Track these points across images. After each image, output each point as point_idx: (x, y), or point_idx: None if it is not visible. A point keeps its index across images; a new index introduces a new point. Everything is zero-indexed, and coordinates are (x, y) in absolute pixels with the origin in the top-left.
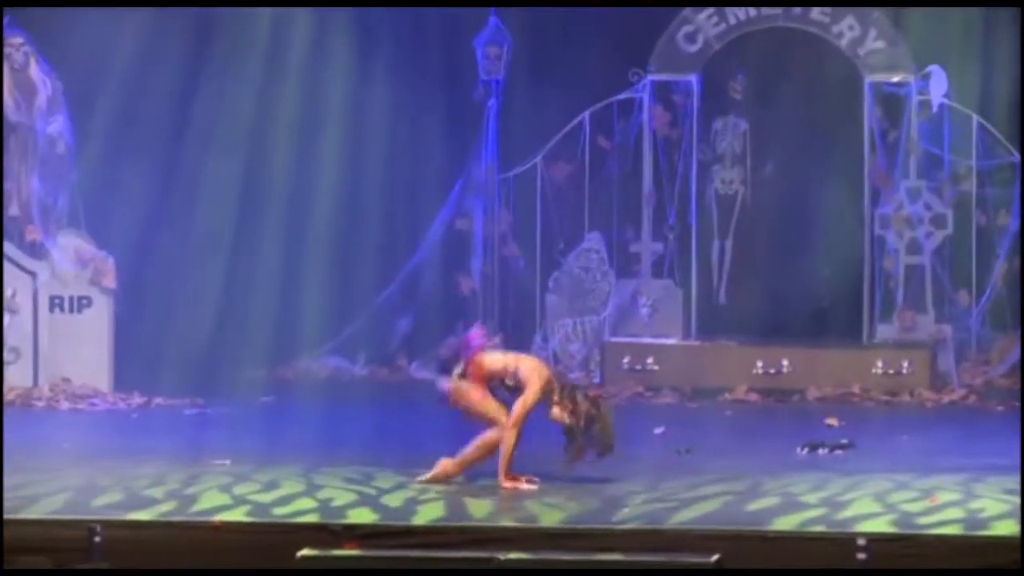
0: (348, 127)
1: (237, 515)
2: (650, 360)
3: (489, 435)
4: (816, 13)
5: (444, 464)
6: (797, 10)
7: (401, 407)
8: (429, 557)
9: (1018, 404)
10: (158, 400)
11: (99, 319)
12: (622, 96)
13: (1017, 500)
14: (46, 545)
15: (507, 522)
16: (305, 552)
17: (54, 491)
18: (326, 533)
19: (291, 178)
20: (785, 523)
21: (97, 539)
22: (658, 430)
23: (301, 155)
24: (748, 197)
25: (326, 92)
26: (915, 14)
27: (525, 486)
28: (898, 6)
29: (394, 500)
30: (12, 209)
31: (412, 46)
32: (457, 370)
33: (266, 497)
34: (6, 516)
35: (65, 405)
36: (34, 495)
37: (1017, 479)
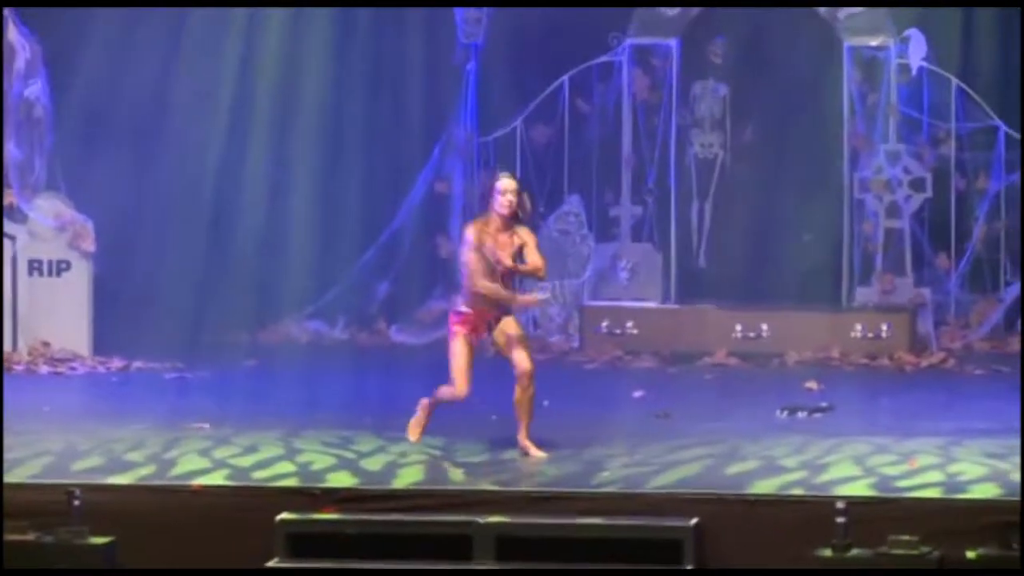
0: (328, 91)
1: (216, 479)
2: (629, 324)
3: None
4: None
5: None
6: None
7: (381, 371)
8: (408, 521)
9: (998, 368)
10: (138, 364)
11: (78, 282)
12: (601, 60)
13: (997, 464)
14: (27, 509)
15: (486, 486)
16: (284, 516)
17: (34, 455)
18: (305, 497)
19: (271, 143)
20: (764, 487)
21: (77, 503)
22: (637, 394)
23: (281, 120)
24: (727, 161)
25: (306, 57)
26: None
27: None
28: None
29: (373, 464)
30: None
31: (391, 10)
32: None
33: (246, 461)
34: None
35: (44, 369)
36: (14, 459)
37: (997, 442)
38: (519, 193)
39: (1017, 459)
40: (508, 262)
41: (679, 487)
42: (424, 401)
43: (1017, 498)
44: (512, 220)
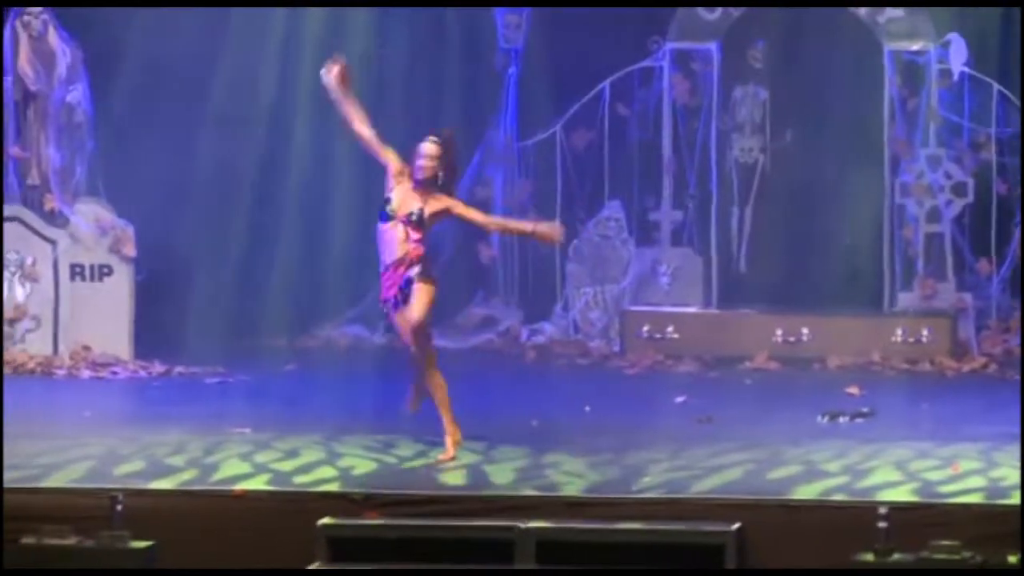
0: (368, 96)
1: (258, 484)
2: (670, 329)
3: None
4: None
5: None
6: None
7: None
8: (450, 526)
9: None
10: (179, 369)
11: (120, 287)
12: (642, 64)
13: None
14: (68, 514)
15: (528, 491)
16: (326, 521)
17: (76, 459)
18: (347, 502)
19: (311, 147)
20: (806, 492)
21: (119, 507)
22: (678, 399)
23: (321, 124)
24: (768, 165)
25: (345, 60)
26: None
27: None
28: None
29: (414, 468)
30: (32, 178)
31: (431, 15)
32: None
33: (287, 465)
34: (29, 485)
35: (86, 373)
36: (56, 463)
37: None
38: (440, 159)
39: None
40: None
41: (720, 492)
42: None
43: None
44: (427, 185)
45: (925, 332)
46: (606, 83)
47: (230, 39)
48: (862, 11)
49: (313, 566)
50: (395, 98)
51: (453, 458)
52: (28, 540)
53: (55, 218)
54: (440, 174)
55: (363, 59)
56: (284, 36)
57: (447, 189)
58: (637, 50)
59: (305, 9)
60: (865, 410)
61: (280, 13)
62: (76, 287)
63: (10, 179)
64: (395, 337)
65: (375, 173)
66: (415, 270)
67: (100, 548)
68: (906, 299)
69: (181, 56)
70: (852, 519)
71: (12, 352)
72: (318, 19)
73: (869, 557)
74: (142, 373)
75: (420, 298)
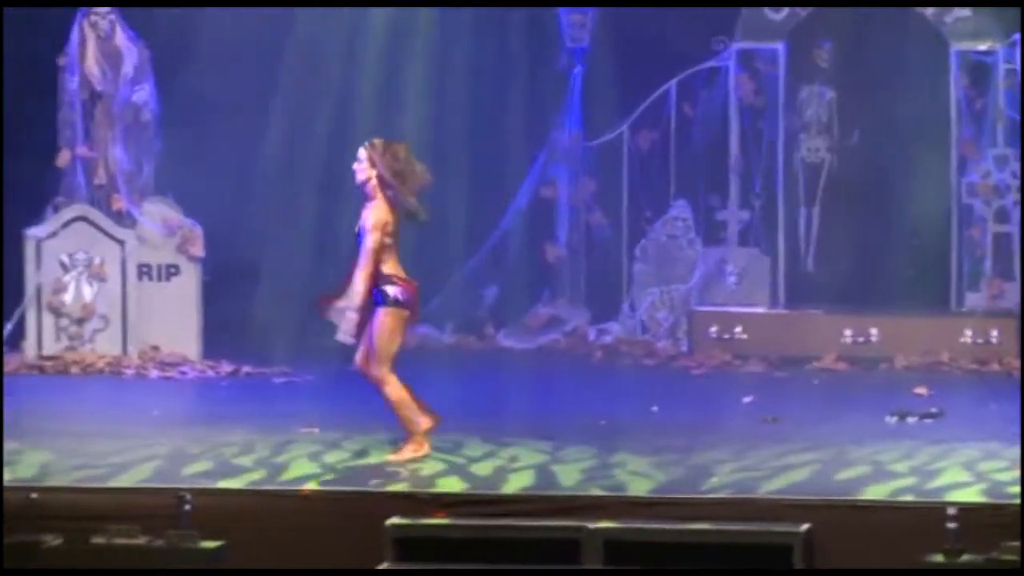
0: (432, 96)
1: (328, 483)
2: (738, 329)
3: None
4: None
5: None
6: None
7: (489, 375)
8: (517, 526)
9: None
10: (247, 368)
11: (187, 287)
12: (707, 64)
13: None
14: (136, 513)
15: (595, 491)
16: (393, 521)
17: (144, 459)
18: (414, 502)
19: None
20: (874, 492)
21: (187, 507)
22: (746, 399)
23: (386, 126)
24: (835, 165)
25: (409, 61)
26: None
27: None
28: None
29: (483, 469)
30: (99, 178)
31: (495, 15)
32: None
33: (355, 465)
34: (97, 484)
35: (154, 373)
36: (124, 463)
37: None
38: (372, 164)
39: None
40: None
41: (788, 493)
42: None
43: None
44: (368, 192)
45: (994, 332)
46: (672, 83)
47: (296, 36)
48: (929, 11)
49: (381, 566)
50: (460, 98)
51: (408, 460)
52: (97, 540)
53: (123, 218)
54: (372, 180)
55: (426, 57)
56: (350, 33)
57: (390, 199)
58: (703, 50)
59: (369, 10)
60: (934, 410)
61: (346, 11)
62: (144, 287)
63: (78, 179)
64: (464, 337)
65: (443, 175)
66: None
67: (169, 548)
68: (974, 299)
69: (247, 55)
70: (921, 520)
71: (81, 352)
72: (385, 17)
73: (939, 558)
74: (210, 373)
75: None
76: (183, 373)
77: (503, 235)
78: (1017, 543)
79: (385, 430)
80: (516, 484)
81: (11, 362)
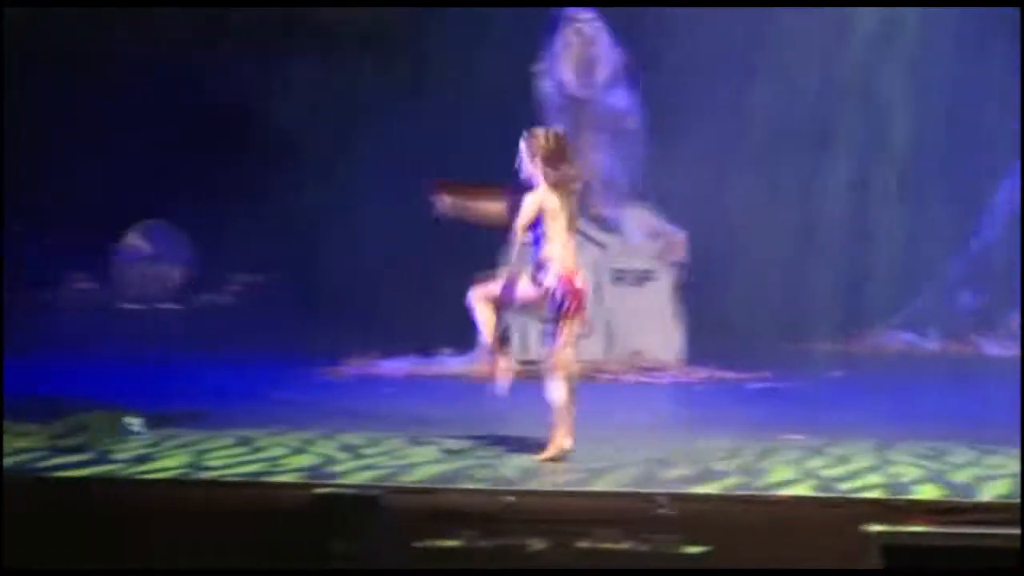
0: (910, 97)
1: (804, 489)
2: None
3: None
4: None
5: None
6: None
7: (974, 383)
8: (995, 534)
9: None
10: (726, 374)
11: (666, 292)
12: None
13: None
14: (618, 517)
15: None
16: (876, 527)
17: (624, 464)
18: (887, 508)
19: (853, 149)
20: None
21: (667, 511)
22: None
23: (862, 123)
24: None
25: (888, 62)
26: None
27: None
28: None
29: (962, 476)
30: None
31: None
32: None
33: (834, 472)
34: (579, 488)
35: (632, 378)
36: (604, 468)
37: None
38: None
39: None
40: None
41: None
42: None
43: None
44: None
45: None
46: None
47: (771, 47)
48: None
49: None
50: (938, 100)
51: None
52: (582, 544)
53: (603, 223)
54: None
55: (905, 61)
56: (827, 39)
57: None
58: None
59: (856, 9)
60: None
61: (828, 10)
62: (623, 292)
63: None
64: (947, 344)
65: (919, 175)
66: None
67: (652, 552)
68: None
69: (721, 56)
70: None
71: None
72: (868, 16)
73: None
74: (689, 378)
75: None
76: (661, 378)
77: (985, 239)
78: None
79: (866, 436)
80: (993, 491)
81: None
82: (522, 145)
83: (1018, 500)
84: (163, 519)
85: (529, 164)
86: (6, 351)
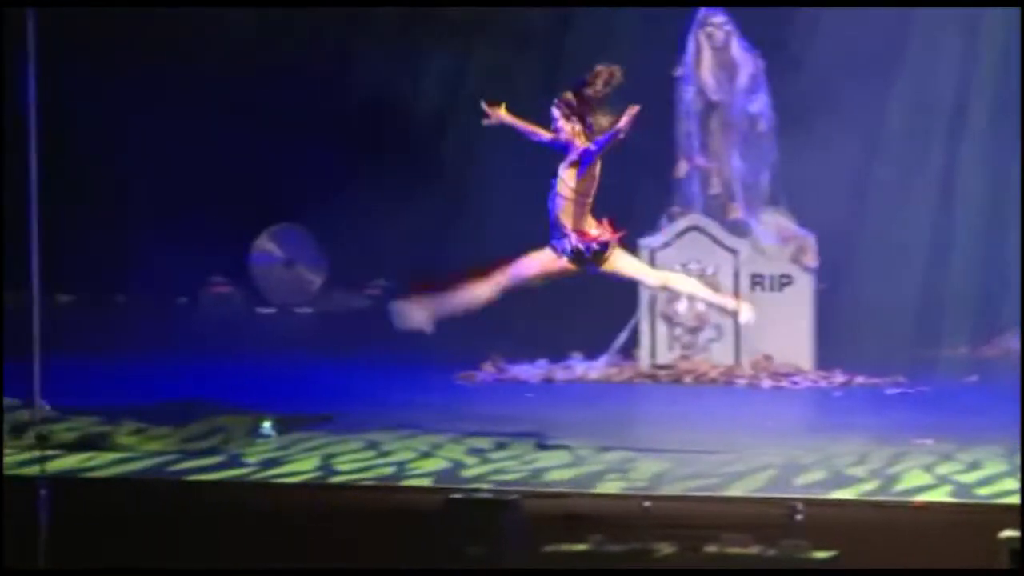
0: None
1: (939, 495)
2: None
3: None
4: None
5: None
6: None
7: None
8: None
9: None
10: (860, 378)
11: (800, 297)
12: None
13: None
14: (749, 522)
15: None
16: (1006, 533)
17: (757, 469)
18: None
19: (984, 148)
20: None
21: (799, 517)
22: None
23: (999, 125)
24: None
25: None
26: None
27: None
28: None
29: None
30: (714, 187)
31: None
32: None
33: (968, 477)
34: (712, 493)
35: (767, 383)
36: (738, 472)
37: None
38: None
39: None
40: None
41: None
42: None
43: None
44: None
45: None
46: None
47: (907, 48)
48: None
49: None
50: None
51: None
52: (710, 549)
53: (736, 228)
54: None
55: None
56: (961, 41)
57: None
58: None
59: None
60: None
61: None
62: (756, 297)
63: (693, 189)
64: None
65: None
66: None
67: (782, 557)
68: None
69: (854, 60)
70: None
71: (694, 361)
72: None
73: None
74: (822, 383)
75: None
76: (795, 383)
77: None
78: None
79: (997, 443)
80: None
81: (625, 370)
82: (555, 110)
83: None
84: (296, 522)
85: (566, 126)
86: (140, 355)
